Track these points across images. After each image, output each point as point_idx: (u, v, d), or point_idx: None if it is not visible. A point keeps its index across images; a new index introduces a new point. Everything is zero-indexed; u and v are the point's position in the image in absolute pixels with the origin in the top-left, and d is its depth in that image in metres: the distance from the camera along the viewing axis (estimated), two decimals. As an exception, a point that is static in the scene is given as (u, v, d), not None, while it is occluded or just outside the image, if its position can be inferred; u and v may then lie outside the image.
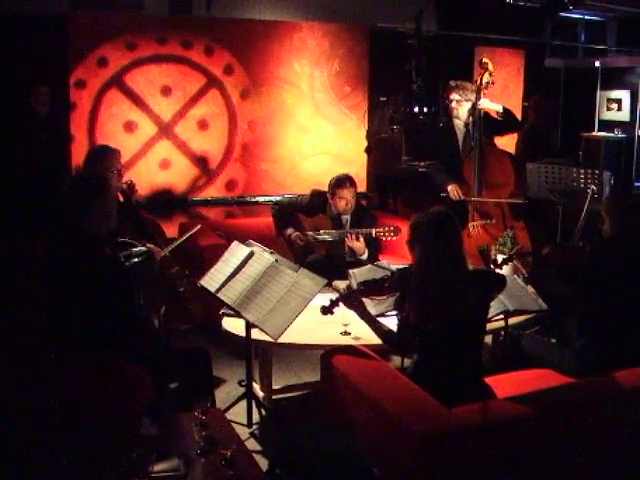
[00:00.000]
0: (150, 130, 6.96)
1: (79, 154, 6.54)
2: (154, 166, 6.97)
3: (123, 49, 6.72)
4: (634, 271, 3.79)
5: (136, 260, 3.86)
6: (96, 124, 6.72)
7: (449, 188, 6.07)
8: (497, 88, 6.84)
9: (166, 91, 6.95)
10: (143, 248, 3.98)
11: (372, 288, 3.68)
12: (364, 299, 3.87)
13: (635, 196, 4.53)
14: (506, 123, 6.22)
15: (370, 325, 3.61)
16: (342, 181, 5.58)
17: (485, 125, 6.01)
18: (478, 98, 6.02)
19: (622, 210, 3.94)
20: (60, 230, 3.76)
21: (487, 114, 6.08)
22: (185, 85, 7.01)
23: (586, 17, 10.68)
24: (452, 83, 6.23)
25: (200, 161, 7.22)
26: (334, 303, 3.66)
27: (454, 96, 6.10)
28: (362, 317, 3.64)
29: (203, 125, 7.15)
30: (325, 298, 3.72)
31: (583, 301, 3.93)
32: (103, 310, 3.56)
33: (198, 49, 7.02)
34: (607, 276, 3.80)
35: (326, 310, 3.66)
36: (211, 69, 7.11)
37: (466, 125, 6.15)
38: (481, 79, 6.05)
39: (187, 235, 4.94)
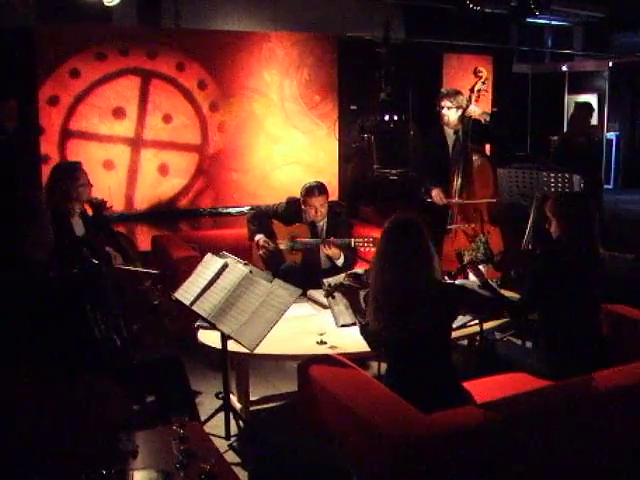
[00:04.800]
0: (118, 137, 6.91)
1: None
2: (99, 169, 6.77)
3: (93, 61, 6.66)
4: (582, 271, 3.83)
5: (87, 275, 3.75)
6: (66, 139, 6.66)
7: (433, 193, 6.11)
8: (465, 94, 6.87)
9: (133, 103, 6.89)
10: (94, 261, 3.88)
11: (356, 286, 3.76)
12: (342, 308, 3.94)
13: (577, 195, 4.59)
14: (495, 130, 6.24)
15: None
16: (311, 190, 5.65)
17: (474, 132, 6.06)
18: (468, 105, 6.08)
19: (566, 210, 3.96)
20: None
21: (477, 121, 6.10)
22: (155, 97, 6.98)
23: (552, 22, 10.83)
24: (444, 90, 6.29)
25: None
26: (334, 288, 4.01)
27: (445, 103, 6.13)
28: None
29: (172, 135, 7.12)
30: (300, 308, 3.73)
31: (532, 304, 3.96)
32: (51, 332, 3.44)
33: (167, 60, 6.99)
34: (557, 277, 3.82)
35: (329, 294, 4.13)
36: (181, 81, 7.08)
37: (456, 132, 6.18)
38: (474, 87, 6.13)
39: (142, 270, 4.96)
